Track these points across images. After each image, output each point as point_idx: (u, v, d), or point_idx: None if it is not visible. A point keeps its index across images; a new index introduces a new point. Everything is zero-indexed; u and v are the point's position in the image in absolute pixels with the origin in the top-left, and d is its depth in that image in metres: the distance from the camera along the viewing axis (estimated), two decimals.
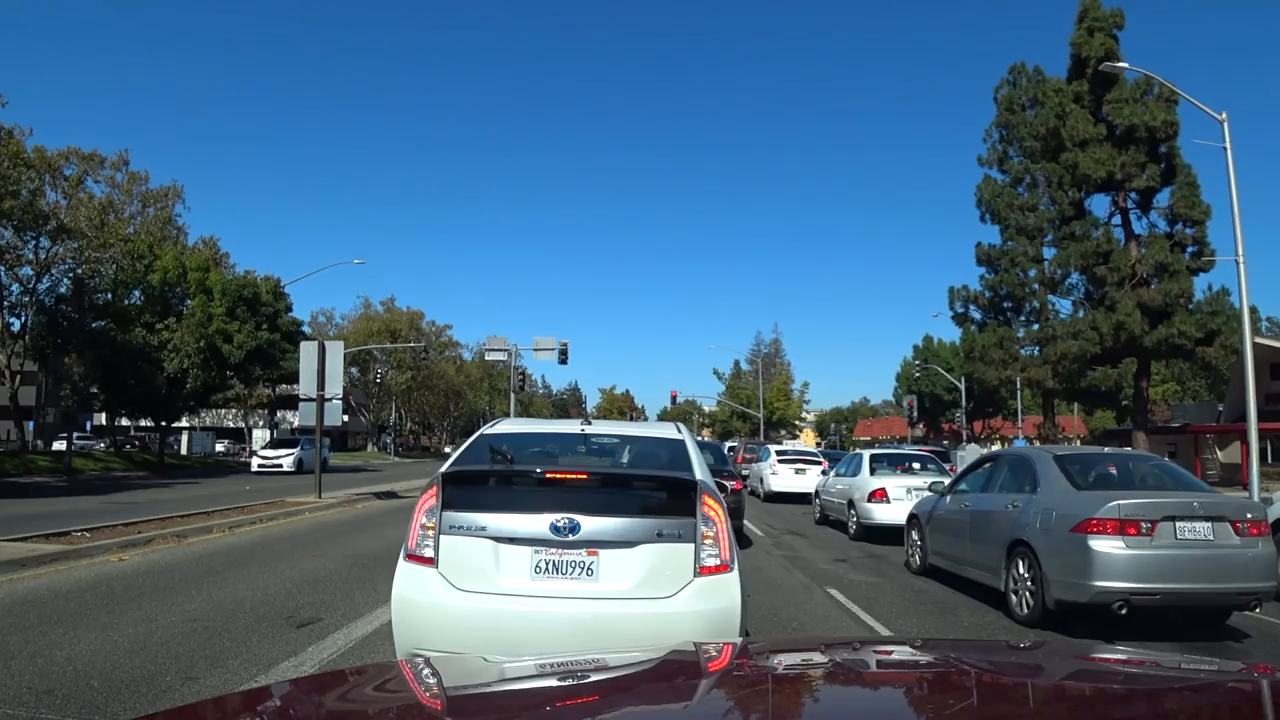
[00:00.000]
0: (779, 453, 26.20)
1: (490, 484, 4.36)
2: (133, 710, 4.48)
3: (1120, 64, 24.08)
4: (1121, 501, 7.13)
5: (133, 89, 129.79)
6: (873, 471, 15.45)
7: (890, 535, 13.78)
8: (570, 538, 4.00)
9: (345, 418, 44.19)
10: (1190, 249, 30.38)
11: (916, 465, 16.47)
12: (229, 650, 5.84)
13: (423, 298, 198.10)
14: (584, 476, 4.29)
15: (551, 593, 3.97)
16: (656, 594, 3.99)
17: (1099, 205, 33.35)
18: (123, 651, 5.71)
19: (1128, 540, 6.97)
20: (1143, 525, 7.00)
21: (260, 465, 36.88)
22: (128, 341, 33.13)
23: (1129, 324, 29.33)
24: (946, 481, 11.47)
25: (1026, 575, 7.73)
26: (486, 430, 5.20)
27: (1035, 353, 34.42)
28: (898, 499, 14.18)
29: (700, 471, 4.43)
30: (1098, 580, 6.95)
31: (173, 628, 6.45)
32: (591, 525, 4.02)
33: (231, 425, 67.65)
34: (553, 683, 1.91)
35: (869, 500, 14.58)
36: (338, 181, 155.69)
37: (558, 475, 4.23)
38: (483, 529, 4.06)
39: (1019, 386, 39.95)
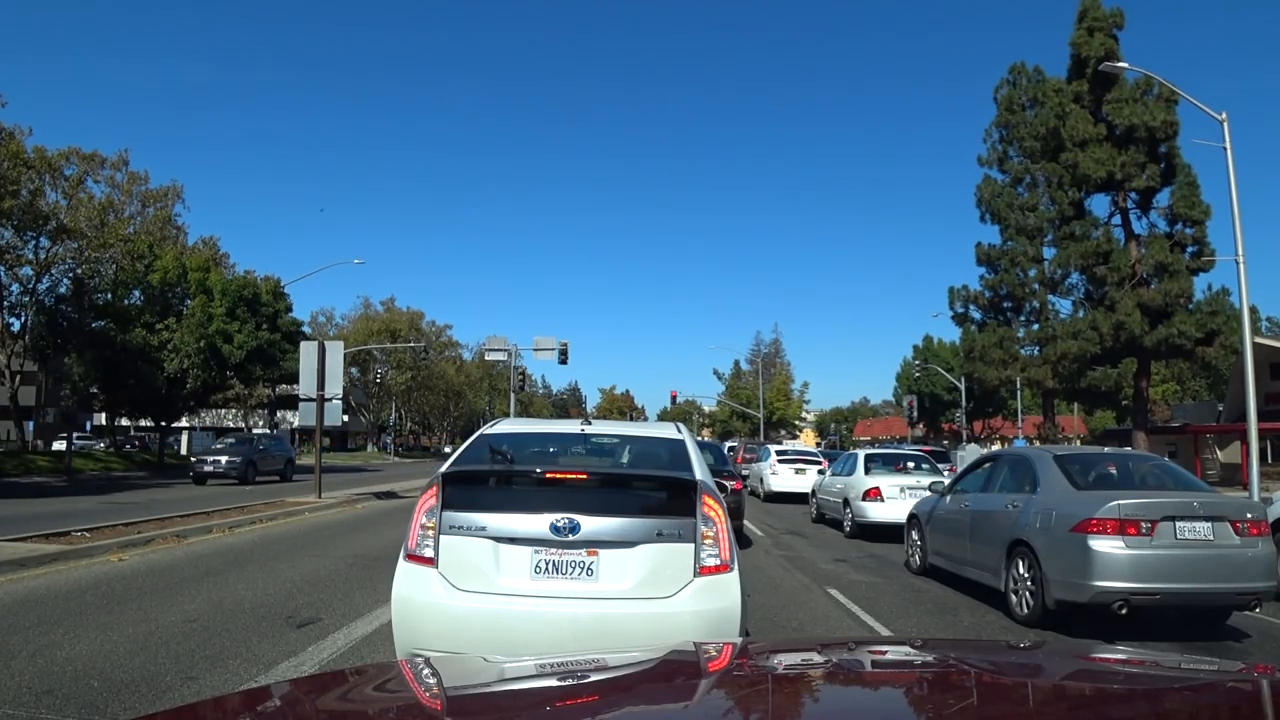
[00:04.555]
0: (779, 453, 26.25)
1: (490, 484, 4.36)
2: (133, 710, 4.48)
3: (1120, 64, 24.07)
4: (1121, 501, 7.13)
5: (133, 89, 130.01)
6: (867, 471, 15.71)
7: (885, 533, 13.90)
8: (570, 538, 4.00)
9: (345, 418, 44.16)
10: (1190, 249, 30.35)
11: (910, 464, 16.70)
12: (229, 650, 5.84)
13: (423, 298, 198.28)
14: (584, 476, 4.28)
15: (551, 593, 3.97)
16: (656, 594, 3.99)
17: (1099, 205, 33.37)
18: (123, 651, 5.71)
19: (1128, 540, 6.97)
20: (1143, 525, 7.00)
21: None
22: (128, 341, 33.14)
23: (1129, 324, 29.32)
24: (945, 481, 11.49)
25: (1026, 575, 7.72)
26: (486, 430, 5.19)
27: (1035, 353, 34.39)
28: (891, 497, 14.50)
29: (700, 471, 4.43)
30: (1098, 580, 6.94)
31: (173, 628, 6.45)
32: (591, 525, 4.02)
33: (231, 425, 67.56)
34: (553, 683, 1.91)
35: (863, 499, 14.76)
36: (338, 182, 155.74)
37: (558, 475, 4.23)
38: (483, 529, 4.06)
39: (1019, 386, 39.95)
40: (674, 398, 66.65)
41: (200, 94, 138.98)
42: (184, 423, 57.09)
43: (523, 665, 2.13)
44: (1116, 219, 32.50)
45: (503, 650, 3.50)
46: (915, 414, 53.75)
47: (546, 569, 4.01)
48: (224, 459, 27.44)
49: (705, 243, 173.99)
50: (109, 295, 34.65)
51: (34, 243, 32.67)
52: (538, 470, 4.27)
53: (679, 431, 5.27)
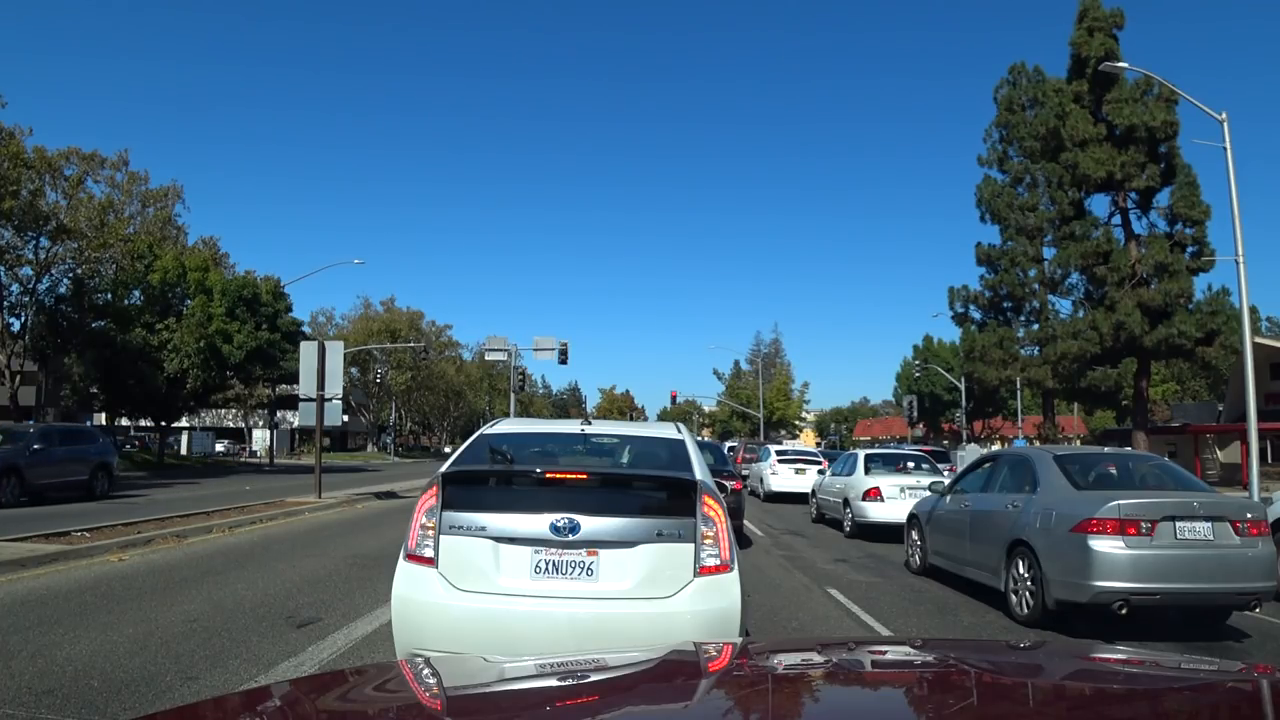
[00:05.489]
0: (779, 453, 26.25)
1: (490, 484, 4.36)
2: (133, 710, 4.48)
3: (1120, 64, 24.08)
4: (1121, 501, 7.13)
5: (133, 89, 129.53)
6: (867, 470, 15.74)
7: (885, 533, 13.91)
8: (570, 538, 4.00)
9: (345, 418, 44.17)
10: (1190, 249, 30.35)
11: (910, 464, 16.73)
12: (229, 650, 5.84)
13: (423, 298, 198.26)
14: (584, 476, 4.29)
15: (551, 593, 3.97)
16: (656, 594, 3.99)
17: (1099, 205, 33.38)
18: (123, 651, 5.71)
19: (1128, 540, 6.97)
20: (1143, 525, 7.00)
21: None
22: (128, 341, 33.16)
23: (1129, 324, 29.32)
24: (945, 481, 11.49)
25: (1026, 575, 7.72)
26: (486, 430, 5.19)
27: (1035, 353, 34.40)
28: (891, 497, 14.54)
29: (700, 471, 4.43)
30: (1098, 580, 6.95)
31: (173, 628, 6.45)
32: (591, 525, 4.02)
33: (231, 425, 67.65)
34: (553, 683, 1.91)
35: (863, 499, 14.79)
36: (338, 181, 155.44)
37: (558, 475, 4.23)
38: (483, 529, 4.06)
39: (1019, 386, 39.95)
40: (674, 398, 66.59)
41: (200, 94, 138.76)
42: (184, 423, 57.14)
43: (523, 665, 2.13)
44: (1116, 219, 32.52)
45: (503, 650, 3.50)
46: (915, 414, 53.66)
47: (546, 569, 4.01)
48: None
49: (705, 243, 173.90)
50: (109, 295, 34.68)
51: (34, 243, 32.65)
52: (538, 470, 4.28)
53: (679, 431, 5.27)
